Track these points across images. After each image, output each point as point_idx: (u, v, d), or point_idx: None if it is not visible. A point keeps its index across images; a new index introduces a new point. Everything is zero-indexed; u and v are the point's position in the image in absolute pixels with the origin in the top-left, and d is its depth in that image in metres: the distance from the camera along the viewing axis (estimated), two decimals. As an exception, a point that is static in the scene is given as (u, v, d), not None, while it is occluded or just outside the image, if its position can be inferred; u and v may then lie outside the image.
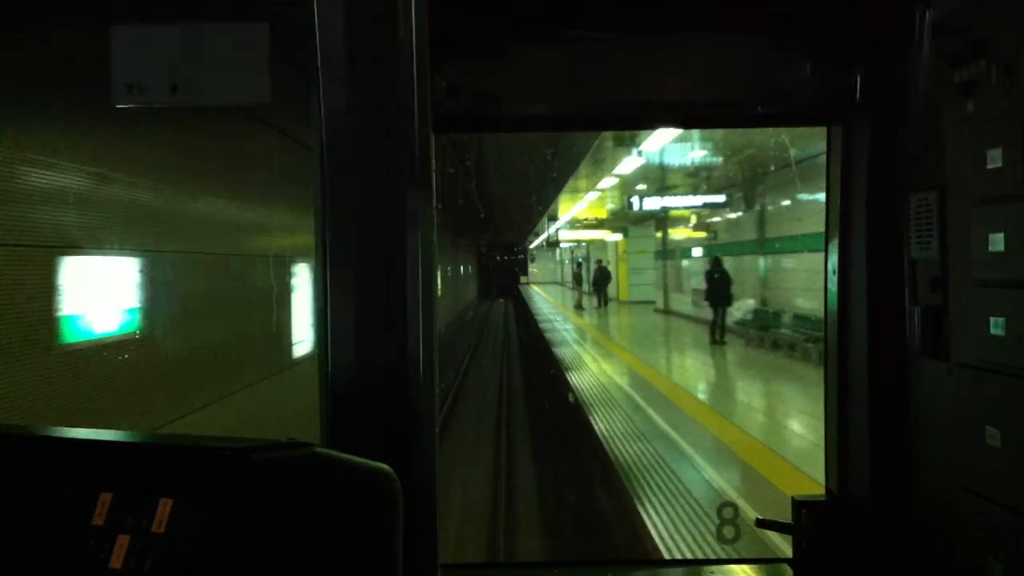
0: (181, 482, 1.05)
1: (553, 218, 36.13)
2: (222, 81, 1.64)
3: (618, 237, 36.46)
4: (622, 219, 33.67)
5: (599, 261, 35.77)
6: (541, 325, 27.72)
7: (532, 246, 58.77)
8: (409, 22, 1.43)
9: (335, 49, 1.43)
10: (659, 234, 31.14)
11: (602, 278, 33.85)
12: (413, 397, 1.42)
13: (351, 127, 1.43)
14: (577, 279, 39.08)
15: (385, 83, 1.43)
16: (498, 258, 54.21)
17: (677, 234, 29.02)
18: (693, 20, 2.01)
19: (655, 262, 32.22)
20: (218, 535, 1.00)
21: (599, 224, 35.53)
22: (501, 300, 47.41)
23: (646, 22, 2.00)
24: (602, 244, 40.19)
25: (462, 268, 39.32)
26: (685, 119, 2.77)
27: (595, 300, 34.24)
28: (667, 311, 29.32)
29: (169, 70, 1.62)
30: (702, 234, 26.31)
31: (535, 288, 60.35)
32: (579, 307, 34.87)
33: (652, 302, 32.09)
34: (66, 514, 1.09)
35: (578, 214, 33.58)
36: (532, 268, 63.96)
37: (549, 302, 43.33)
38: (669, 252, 29.87)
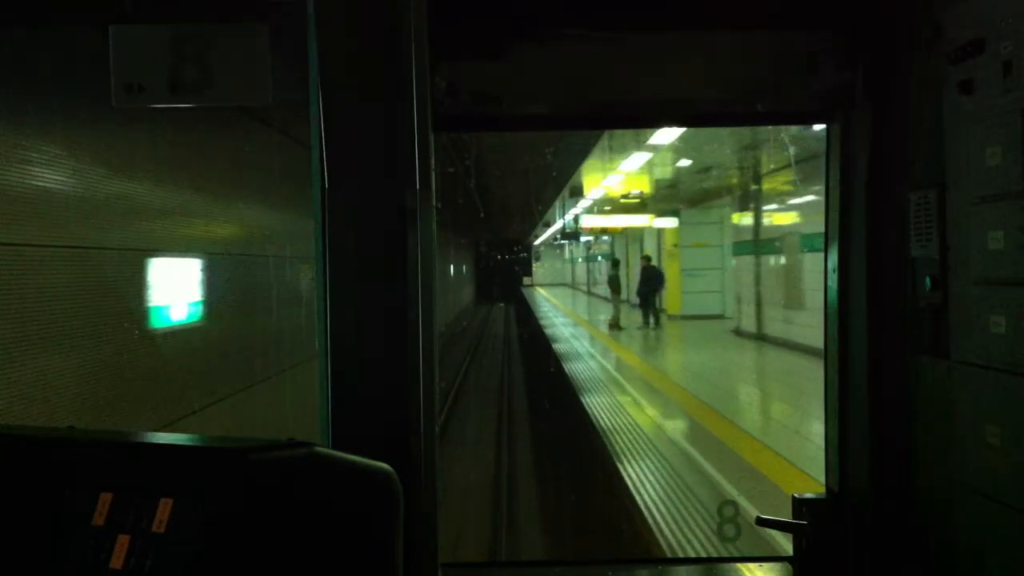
0: (181, 482, 1.05)
1: (577, 193, 23.46)
2: (222, 81, 1.64)
3: (669, 223, 24.70)
4: (671, 197, 22.95)
5: (646, 258, 23.60)
6: (574, 372, 13.77)
7: (537, 242, 52.14)
8: (409, 22, 1.43)
9: (335, 49, 1.43)
10: (741, 217, 20.09)
11: (653, 282, 22.44)
12: (413, 397, 1.42)
13: (351, 127, 1.43)
14: (614, 284, 24.42)
15: (385, 83, 1.43)
16: (498, 256, 50.54)
17: (774, 218, 18.12)
18: (693, 19, 2.01)
19: (724, 259, 22.80)
20: (218, 535, 1.00)
21: (640, 205, 23.91)
22: (501, 304, 36.78)
23: (646, 21, 2.00)
24: (637, 235, 29.13)
25: (451, 268, 29.39)
26: (684, 118, 2.78)
27: (640, 314, 22.53)
28: (762, 337, 17.33)
29: (169, 70, 1.62)
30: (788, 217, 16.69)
31: (541, 292, 48.59)
32: (615, 326, 22.58)
33: (717, 317, 22.34)
34: (66, 514, 1.09)
35: (612, 190, 22.10)
36: (536, 268, 57.55)
37: (563, 313, 31.30)
38: (764, 244, 18.43)
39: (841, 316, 2.13)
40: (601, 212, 26.50)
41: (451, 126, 2.14)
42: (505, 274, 47.28)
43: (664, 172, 19.34)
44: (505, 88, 2.02)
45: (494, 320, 30.72)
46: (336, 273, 1.42)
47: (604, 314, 26.01)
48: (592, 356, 16.57)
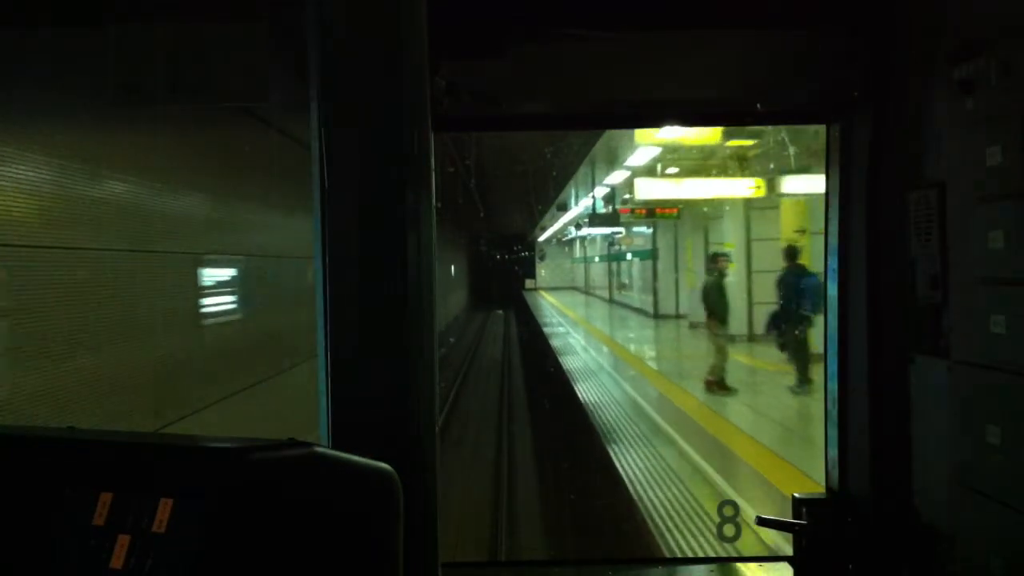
0: (181, 482, 1.05)
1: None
2: (222, 81, 1.64)
3: (800, 186, 13.81)
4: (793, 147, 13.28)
5: (792, 252, 11.68)
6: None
7: (543, 237, 46.32)
8: (409, 22, 1.43)
9: (335, 49, 1.43)
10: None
11: (801, 296, 11.19)
12: (413, 397, 1.42)
13: (351, 127, 1.43)
14: (713, 302, 12.47)
15: (385, 83, 1.43)
16: (497, 256, 47.35)
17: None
18: (693, 18, 2.01)
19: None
20: (218, 535, 1.00)
21: (739, 162, 14.55)
22: (499, 312, 30.50)
23: (645, 21, 2.00)
24: (700, 220, 18.87)
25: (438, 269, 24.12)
26: (685, 117, 2.79)
27: (793, 363, 11.56)
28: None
29: (169, 70, 1.62)
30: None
31: (549, 300, 38.20)
32: (720, 386, 12.01)
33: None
34: (66, 514, 1.09)
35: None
36: (540, 268, 52.21)
37: (594, 338, 20.06)
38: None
39: (841, 315, 2.13)
40: (662, 175, 16.40)
41: (451, 126, 2.14)
42: (504, 275, 44.10)
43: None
44: (505, 88, 2.02)
45: (480, 364, 18.94)
46: (336, 273, 1.42)
47: (644, 343, 16.66)
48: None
